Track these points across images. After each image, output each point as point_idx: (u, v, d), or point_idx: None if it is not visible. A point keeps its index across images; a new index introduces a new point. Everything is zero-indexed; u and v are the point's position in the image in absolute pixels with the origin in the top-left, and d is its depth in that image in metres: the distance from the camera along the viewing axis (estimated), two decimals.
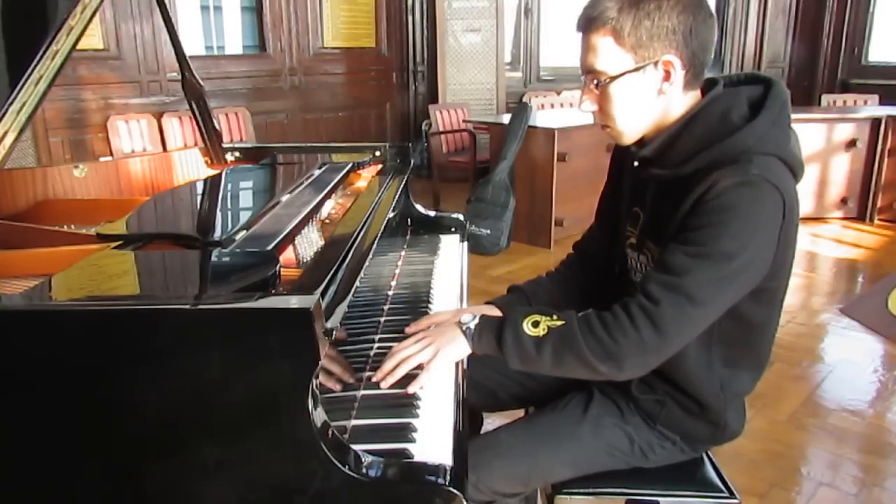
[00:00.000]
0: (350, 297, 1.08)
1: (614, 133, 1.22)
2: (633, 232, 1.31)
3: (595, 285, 1.47)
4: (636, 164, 1.28)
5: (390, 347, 1.23)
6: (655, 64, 1.13)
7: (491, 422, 1.70)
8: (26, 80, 1.24)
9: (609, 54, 1.13)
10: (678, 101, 1.18)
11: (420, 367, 1.17)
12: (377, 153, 2.09)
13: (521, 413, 1.64)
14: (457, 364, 1.25)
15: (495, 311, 1.27)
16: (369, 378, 1.20)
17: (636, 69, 1.13)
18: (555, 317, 1.16)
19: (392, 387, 1.16)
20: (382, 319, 1.44)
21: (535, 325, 1.15)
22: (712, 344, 1.23)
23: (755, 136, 1.12)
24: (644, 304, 1.09)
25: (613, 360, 1.09)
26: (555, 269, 1.55)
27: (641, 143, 1.25)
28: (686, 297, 1.08)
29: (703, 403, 1.27)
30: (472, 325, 1.19)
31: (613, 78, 1.14)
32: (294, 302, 0.88)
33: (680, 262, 1.09)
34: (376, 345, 1.33)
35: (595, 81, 1.17)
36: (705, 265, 1.08)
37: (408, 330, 1.29)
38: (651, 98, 1.17)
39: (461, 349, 1.19)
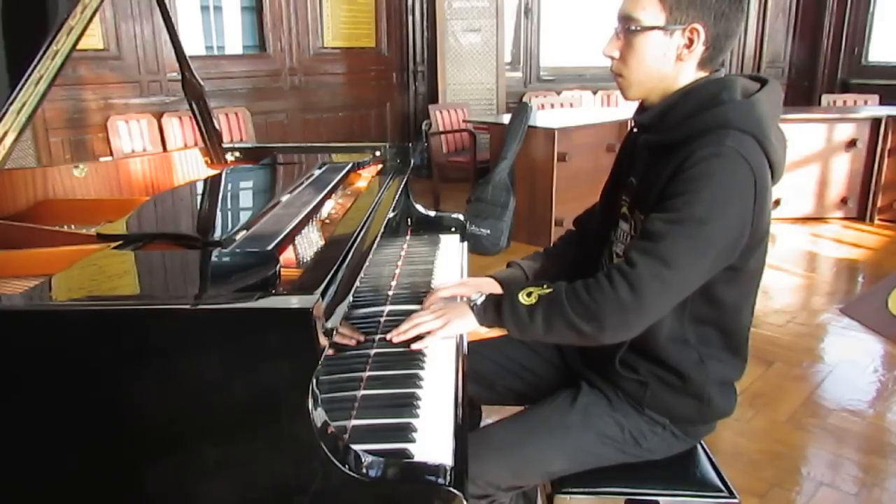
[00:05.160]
0: (350, 297, 1.08)
1: (624, 83, 1.29)
2: (627, 201, 1.37)
3: (589, 261, 1.50)
4: (635, 129, 1.37)
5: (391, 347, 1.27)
6: (683, 30, 1.20)
7: (489, 418, 1.70)
8: (26, 80, 1.24)
9: (648, 5, 1.21)
10: (688, 74, 1.25)
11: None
12: (377, 153, 2.09)
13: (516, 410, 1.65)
14: (457, 363, 1.27)
15: (495, 286, 1.36)
16: (370, 378, 1.21)
17: (665, 28, 1.21)
18: (545, 286, 1.25)
19: (401, 344, 1.29)
20: (383, 319, 1.44)
21: (529, 295, 1.24)
22: (684, 320, 1.28)
23: (735, 112, 1.19)
24: (622, 268, 1.17)
25: (595, 319, 1.16)
26: (552, 244, 1.64)
27: (643, 109, 1.33)
28: (661, 260, 1.14)
29: (683, 375, 1.30)
30: (478, 302, 1.30)
31: (644, 29, 1.21)
32: (294, 302, 0.88)
33: (657, 229, 1.16)
34: (376, 345, 1.33)
35: (626, 28, 1.23)
36: (680, 230, 1.14)
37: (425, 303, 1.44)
38: (669, 60, 1.23)
39: (468, 323, 1.31)
